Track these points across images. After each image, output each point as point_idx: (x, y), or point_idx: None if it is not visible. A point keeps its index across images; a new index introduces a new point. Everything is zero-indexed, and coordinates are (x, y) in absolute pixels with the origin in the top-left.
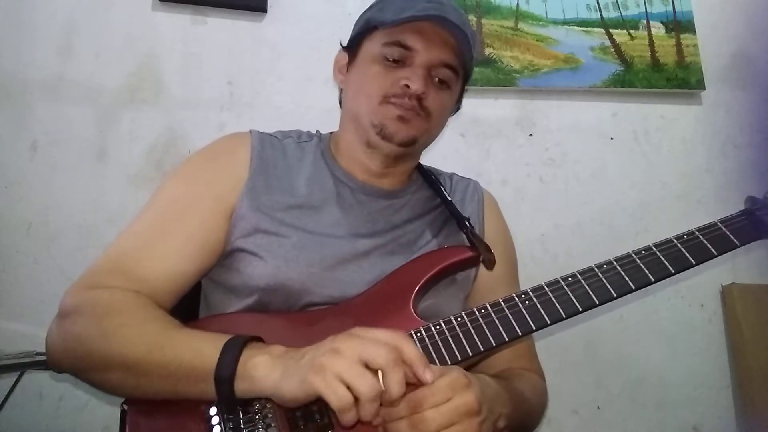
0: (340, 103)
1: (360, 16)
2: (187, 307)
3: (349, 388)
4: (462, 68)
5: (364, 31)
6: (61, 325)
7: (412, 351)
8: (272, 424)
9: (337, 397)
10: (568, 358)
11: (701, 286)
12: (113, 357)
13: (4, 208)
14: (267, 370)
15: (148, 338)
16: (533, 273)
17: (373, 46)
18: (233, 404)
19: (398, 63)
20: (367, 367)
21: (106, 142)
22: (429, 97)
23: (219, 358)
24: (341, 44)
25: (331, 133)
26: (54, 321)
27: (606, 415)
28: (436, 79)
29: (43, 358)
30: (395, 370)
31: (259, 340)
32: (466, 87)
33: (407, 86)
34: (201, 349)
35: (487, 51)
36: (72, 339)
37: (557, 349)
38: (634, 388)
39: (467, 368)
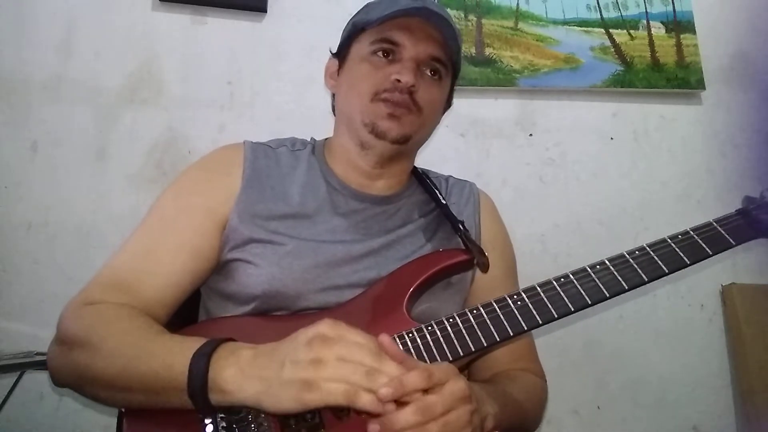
0: (333, 110)
1: (347, 23)
2: (187, 314)
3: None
4: (450, 63)
5: (351, 34)
6: (54, 342)
7: (392, 348)
8: (264, 424)
9: (337, 396)
10: (568, 357)
11: (701, 286)
12: (97, 373)
13: (4, 208)
14: (238, 384)
15: (126, 351)
16: (533, 273)
17: (361, 47)
18: (214, 412)
19: (387, 60)
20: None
21: (106, 142)
22: (420, 90)
23: (188, 374)
24: (330, 51)
25: (326, 139)
26: (53, 338)
27: (606, 415)
28: (427, 72)
29: (43, 358)
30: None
31: (231, 339)
32: (457, 83)
33: (398, 80)
34: (172, 364)
35: (487, 51)
36: (63, 357)
37: (557, 349)
38: (634, 388)
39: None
